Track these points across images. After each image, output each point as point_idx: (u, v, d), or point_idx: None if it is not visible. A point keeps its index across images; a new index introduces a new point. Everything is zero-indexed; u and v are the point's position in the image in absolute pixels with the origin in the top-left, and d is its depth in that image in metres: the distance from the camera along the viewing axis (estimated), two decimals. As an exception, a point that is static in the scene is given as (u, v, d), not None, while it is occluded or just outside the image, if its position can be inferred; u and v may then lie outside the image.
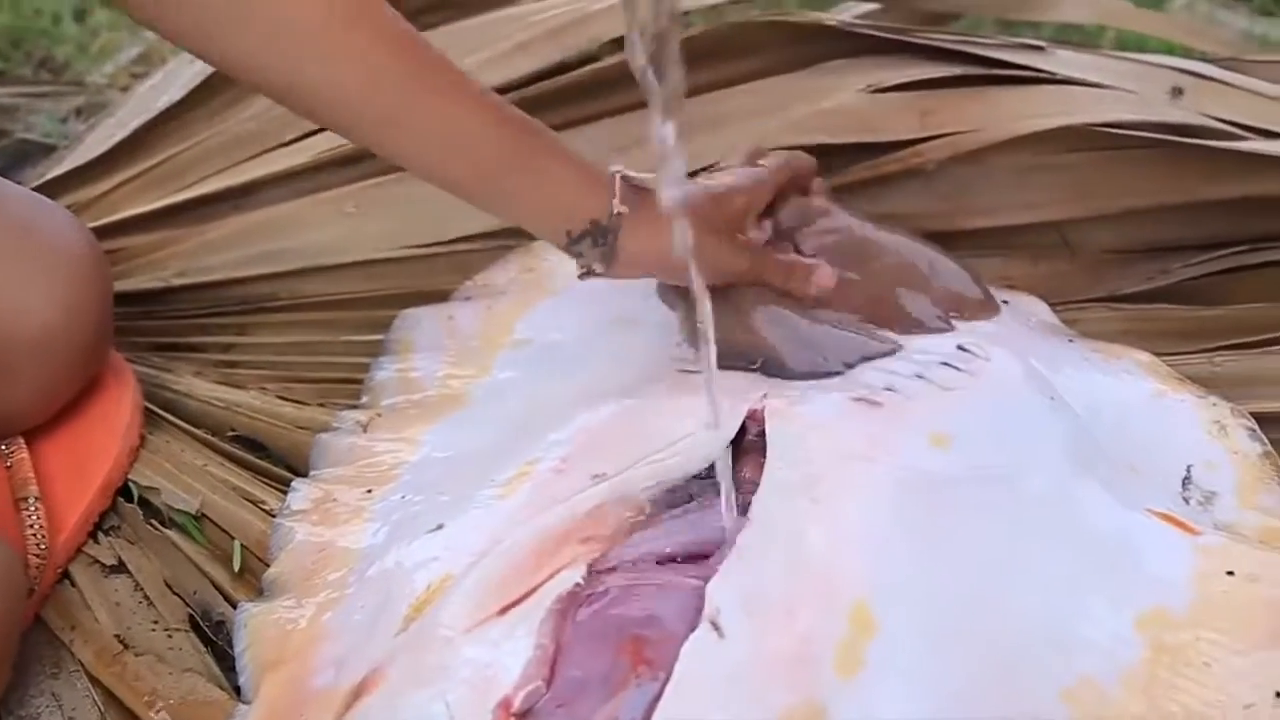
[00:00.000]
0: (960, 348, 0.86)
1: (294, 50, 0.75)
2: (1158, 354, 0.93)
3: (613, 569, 0.73)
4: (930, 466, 0.76)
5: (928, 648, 0.67)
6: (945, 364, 0.84)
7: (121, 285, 1.03)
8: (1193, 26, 1.37)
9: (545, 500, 0.77)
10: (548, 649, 0.68)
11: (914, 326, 0.91)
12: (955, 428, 0.79)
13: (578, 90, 1.13)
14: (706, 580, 0.69)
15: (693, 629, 0.67)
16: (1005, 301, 0.99)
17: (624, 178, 0.81)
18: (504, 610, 0.71)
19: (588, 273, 0.83)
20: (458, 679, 0.68)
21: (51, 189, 1.14)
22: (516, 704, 0.65)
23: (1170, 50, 1.26)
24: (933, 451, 0.77)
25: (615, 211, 0.80)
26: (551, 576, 0.72)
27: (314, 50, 0.75)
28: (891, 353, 0.87)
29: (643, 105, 1.08)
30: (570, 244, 0.81)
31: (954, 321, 0.92)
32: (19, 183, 1.07)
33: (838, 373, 0.85)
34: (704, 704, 0.64)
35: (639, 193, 0.81)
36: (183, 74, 1.21)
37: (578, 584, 0.71)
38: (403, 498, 0.86)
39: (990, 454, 0.78)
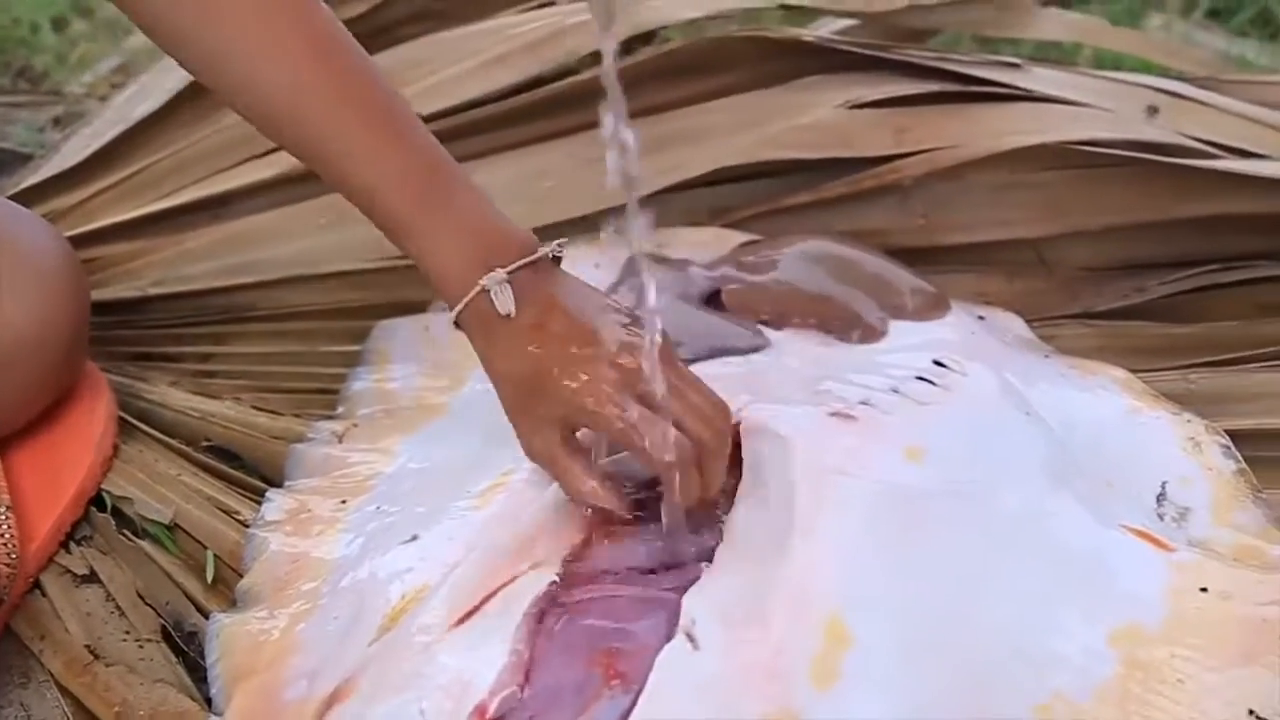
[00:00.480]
0: (936, 362, 0.86)
1: (222, 35, 0.73)
2: (1133, 370, 0.93)
3: (587, 578, 0.72)
4: (906, 481, 0.76)
5: (902, 661, 0.67)
6: (921, 378, 0.84)
7: (98, 294, 1.03)
8: (1169, 46, 1.38)
9: (519, 511, 0.77)
10: (522, 655, 0.68)
11: (854, 324, 0.91)
12: (931, 442, 0.79)
13: (555, 103, 1.14)
14: (681, 592, 0.70)
15: (667, 641, 0.67)
16: (981, 317, 0.99)
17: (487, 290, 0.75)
18: (477, 610, 0.71)
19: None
20: (433, 685, 0.68)
21: (27, 197, 1.14)
22: (491, 709, 0.65)
23: (1147, 69, 1.27)
24: (908, 466, 0.77)
25: (462, 305, 0.75)
26: (526, 571, 0.72)
27: (239, 37, 0.73)
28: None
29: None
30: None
31: (908, 322, 0.93)
32: (-6, 192, 1.07)
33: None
34: (677, 715, 0.64)
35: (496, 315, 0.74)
36: (161, 84, 1.20)
37: (553, 584, 0.72)
38: (377, 508, 0.86)
39: (965, 469, 0.78)
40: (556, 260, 0.77)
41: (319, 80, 0.74)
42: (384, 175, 0.75)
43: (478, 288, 0.74)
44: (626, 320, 0.75)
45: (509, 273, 0.74)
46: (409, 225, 0.76)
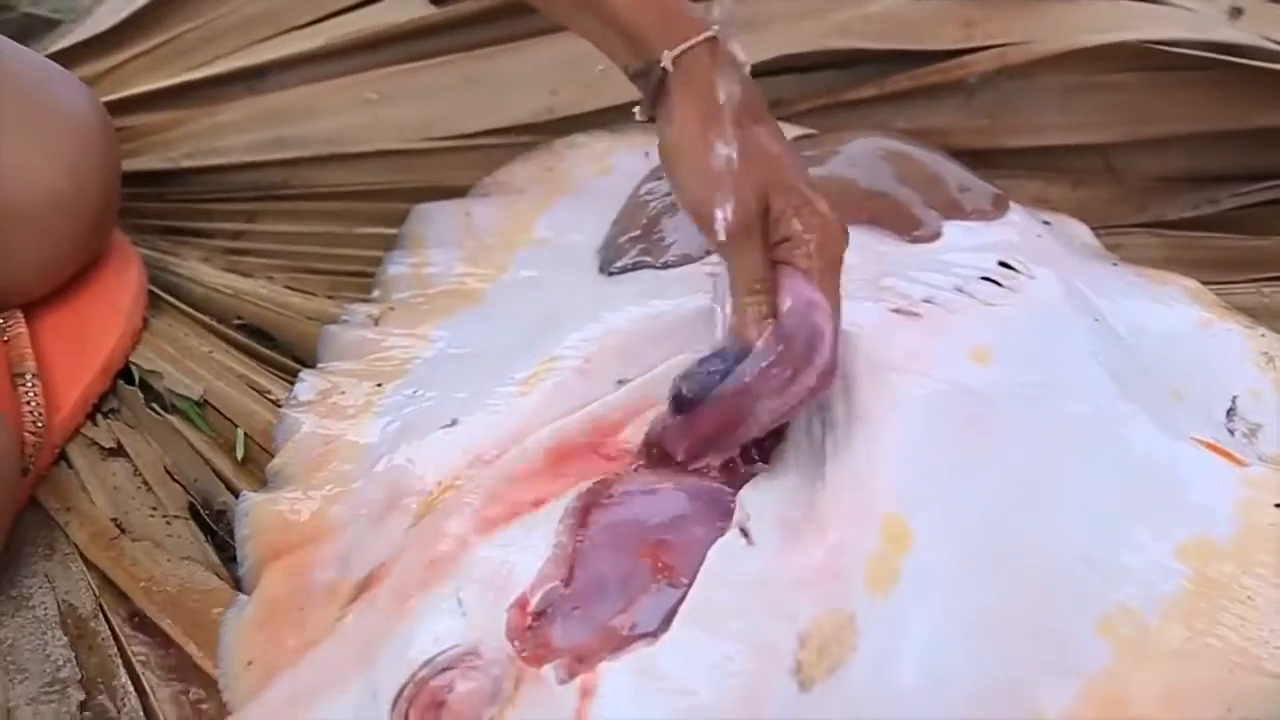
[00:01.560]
0: (1002, 263, 0.83)
1: None
2: (1204, 283, 0.90)
3: (635, 472, 0.70)
4: (970, 381, 0.73)
5: (962, 564, 0.65)
6: (987, 279, 0.81)
7: (129, 165, 1.00)
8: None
9: (567, 400, 0.75)
10: (566, 548, 0.65)
11: (910, 223, 0.88)
12: (997, 343, 0.76)
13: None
14: (734, 487, 0.67)
15: (718, 536, 0.64)
16: (1046, 222, 0.95)
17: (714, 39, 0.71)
18: (520, 512, 0.69)
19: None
20: (471, 576, 0.65)
21: (58, 61, 1.10)
22: (533, 603, 0.63)
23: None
24: (973, 366, 0.74)
25: (665, 65, 0.71)
26: (570, 485, 0.69)
27: None
28: None
29: None
30: (632, 78, 0.74)
31: (971, 222, 0.89)
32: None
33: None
34: (727, 610, 0.62)
35: (718, 67, 0.71)
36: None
37: (598, 482, 0.68)
38: (414, 393, 0.83)
39: (1032, 371, 0.75)
40: None
41: None
42: None
43: (702, 35, 0.70)
44: None
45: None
46: None
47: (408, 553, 0.69)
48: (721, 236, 0.69)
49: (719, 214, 0.68)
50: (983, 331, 0.76)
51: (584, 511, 0.67)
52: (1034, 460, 0.70)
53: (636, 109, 0.74)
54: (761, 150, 0.70)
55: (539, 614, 0.63)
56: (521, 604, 0.63)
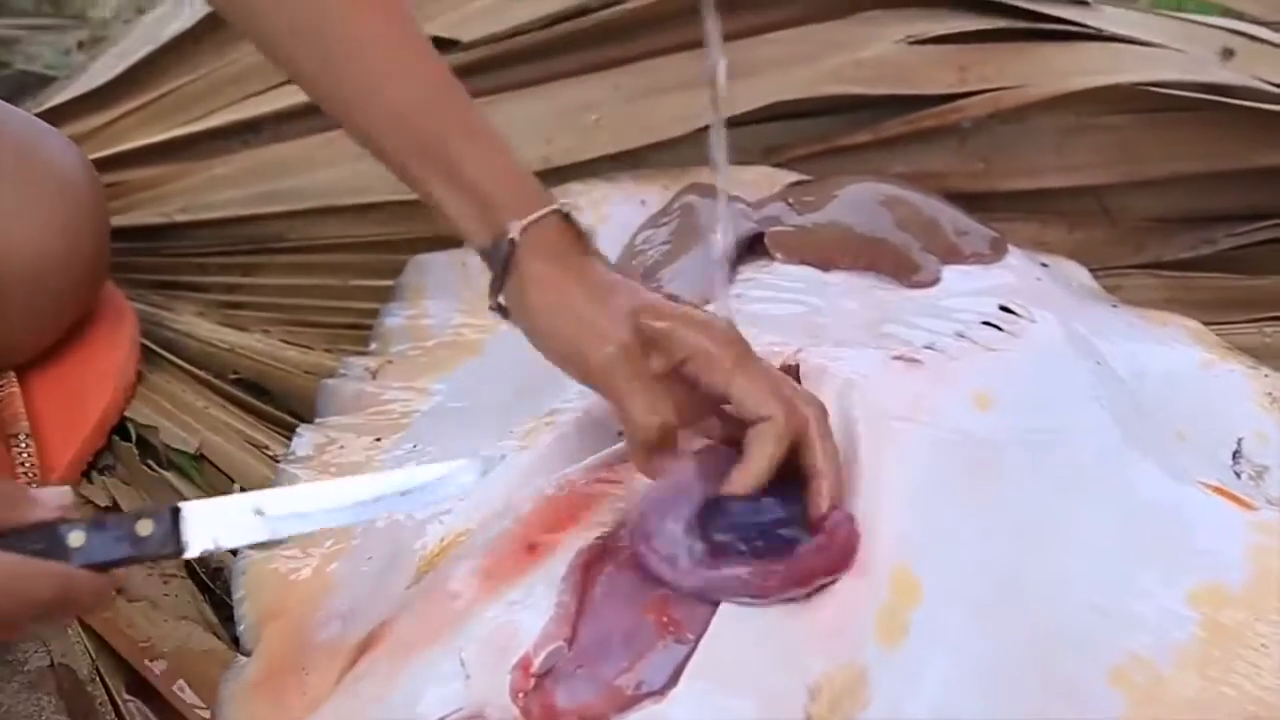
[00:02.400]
0: (1003, 307, 0.82)
1: None
2: (1203, 324, 0.90)
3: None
4: (973, 427, 0.72)
5: (973, 616, 0.64)
6: (987, 323, 0.80)
7: (123, 220, 1.00)
8: (1238, -13, 1.32)
9: (569, 454, 0.74)
10: (569, 606, 0.64)
11: (907, 268, 0.87)
12: (1000, 389, 0.75)
13: (601, 33, 1.09)
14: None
15: (723, 590, 0.63)
16: (1044, 265, 0.95)
17: (564, 213, 0.68)
18: (523, 569, 0.68)
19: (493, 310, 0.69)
20: (473, 635, 0.64)
21: (51, 118, 1.09)
22: (537, 663, 0.62)
23: (1207, 14, 1.22)
24: (977, 413, 0.73)
25: (511, 236, 0.66)
26: (574, 526, 0.68)
27: None
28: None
29: (664, 51, 1.08)
30: (484, 258, 0.68)
31: (969, 267, 0.89)
32: (16, 112, 1.03)
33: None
34: (736, 665, 0.61)
35: (569, 236, 0.68)
36: (192, 2, 1.16)
37: (600, 539, 0.67)
38: (414, 447, 0.83)
39: (1035, 416, 0.74)
40: None
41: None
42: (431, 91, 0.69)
43: (551, 206, 0.67)
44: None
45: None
46: (454, 143, 0.68)
47: (409, 611, 0.68)
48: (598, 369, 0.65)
49: (593, 350, 0.64)
50: (985, 377, 0.76)
51: (586, 568, 0.66)
52: (1040, 506, 0.69)
53: (489, 300, 0.68)
54: (623, 285, 0.67)
55: (543, 675, 0.61)
56: (524, 665, 0.62)
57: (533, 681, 0.61)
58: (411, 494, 0.65)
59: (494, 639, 0.64)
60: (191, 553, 0.61)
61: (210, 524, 0.62)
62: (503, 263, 0.66)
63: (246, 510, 0.63)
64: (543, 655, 0.62)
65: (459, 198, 0.67)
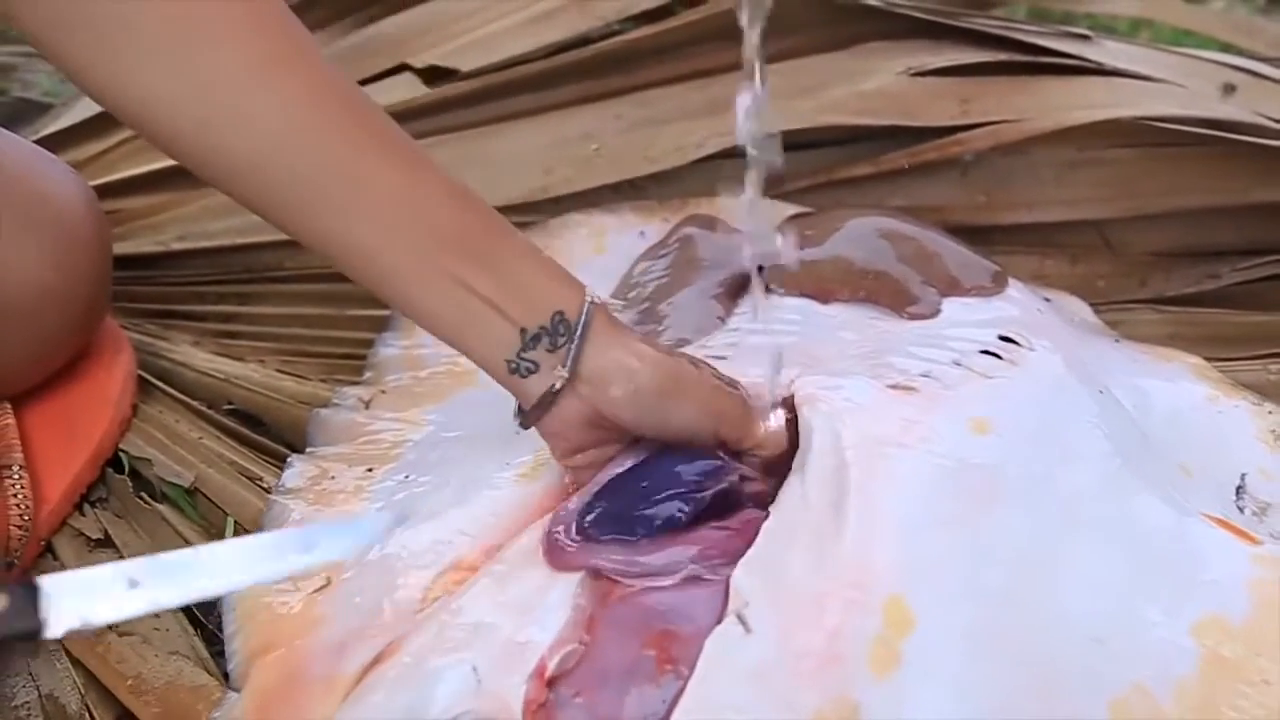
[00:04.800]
0: (1003, 337, 0.81)
1: (195, 93, 0.62)
2: (1209, 360, 0.89)
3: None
4: (969, 453, 0.71)
5: (968, 646, 0.63)
6: (986, 352, 0.79)
7: (119, 248, 0.99)
8: (1242, 24, 1.32)
9: (570, 487, 0.73)
10: (585, 610, 0.64)
11: (906, 300, 0.87)
12: (996, 414, 0.74)
13: (602, 62, 1.09)
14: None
15: (719, 623, 0.62)
16: (1046, 299, 0.94)
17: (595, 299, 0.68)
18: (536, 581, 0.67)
19: (541, 401, 0.68)
20: (486, 645, 0.64)
21: (49, 146, 1.09)
22: (552, 666, 0.62)
23: (1216, 48, 1.22)
24: (973, 439, 0.72)
25: (592, 300, 0.67)
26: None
27: (220, 98, 0.63)
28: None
29: (665, 82, 1.08)
30: (520, 351, 0.67)
31: (970, 299, 0.88)
32: (16, 138, 1.02)
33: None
34: (727, 703, 0.60)
35: (615, 318, 0.69)
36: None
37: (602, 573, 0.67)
38: (406, 477, 0.81)
39: (1035, 443, 0.73)
40: None
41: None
42: (436, 196, 0.67)
43: (590, 298, 0.67)
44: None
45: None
46: (491, 237, 0.67)
47: (416, 631, 0.68)
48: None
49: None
50: (982, 404, 0.75)
51: (598, 575, 0.66)
52: (1039, 533, 0.68)
53: (517, 416, 0.70)
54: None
55: (555, 680, 0.61)
56: (540, 672, 0.62)
57: (546, 695, 0.61)
58: (316, 550, 0.62)
59: (508, 646, 0.64)
60: (53, 632, 0.56)
61: (76, 599, 0.57)
62: (577, 344, 0.66)
63: (119, 582, 0.58)
64: (557, 658, 0.62)
65: (498, 286, 0.66)
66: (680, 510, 0.66)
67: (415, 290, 0.67)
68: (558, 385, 0.67)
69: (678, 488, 0.67)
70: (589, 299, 0.67)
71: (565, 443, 0.70)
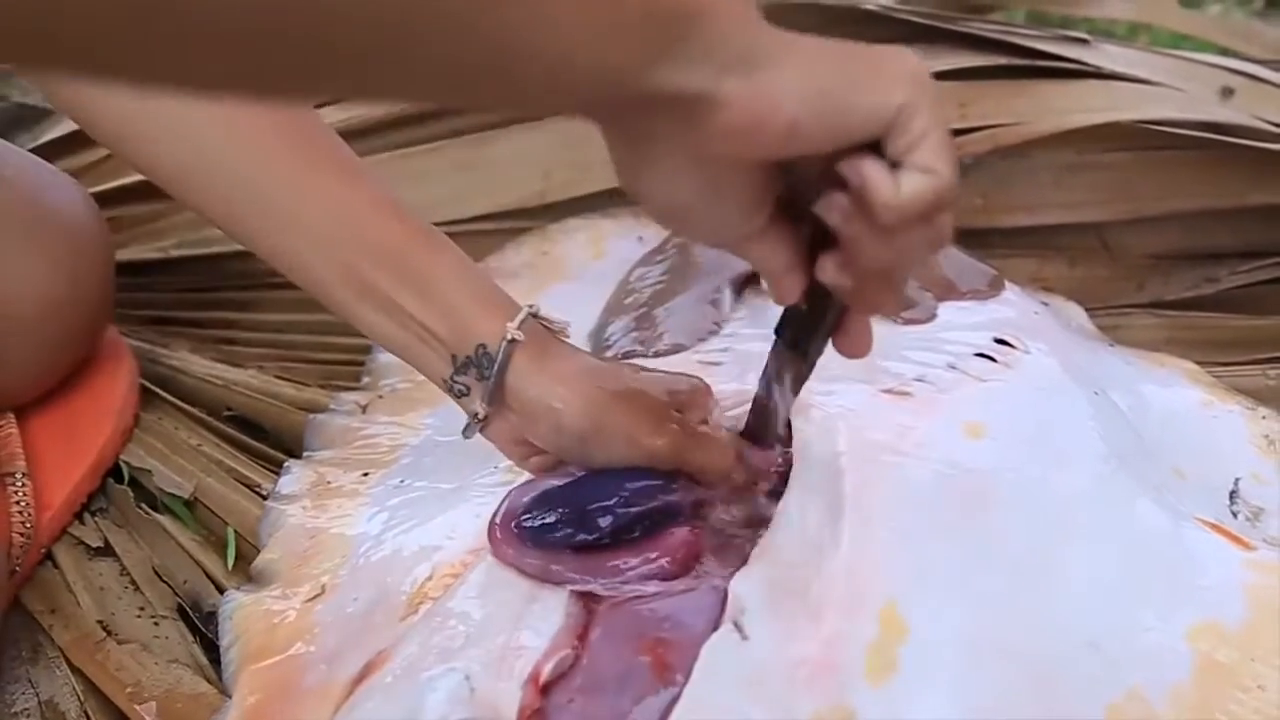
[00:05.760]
0: (998, 340, 0.81)
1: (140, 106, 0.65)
2: (1206, 364, 0.89)
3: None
4: (965, 459, 0.71)
5: (964, 652, 0.63)
6: (980, 355, 0.79)
7: (119, 255, 0.98)
8: (1239, 28, 1.32)
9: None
10: (578, 616, 0.64)
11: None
12: (991, 417, 0.74)
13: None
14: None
15: (715, 630, 0.63)
16: (1044, 304, 0.95)
17: (535, 315, 0.69)
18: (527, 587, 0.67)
19: (473, 422, 0.70)
20: (479, 652, 0.64)
21: (47, 153, 1.09)
22: (546, 672, 0.62)
23: (1214, 50, 1.22)
24: (968, 443, 0.72)
25: (508, 338, 0.67)
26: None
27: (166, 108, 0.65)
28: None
29: None
30: (453, 375, 0.69)
31: (966, 303, 0.88)
32: (14, 147, 1.03)
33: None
34: (723, 709, 0.60)
35: (545, 336, 0.69)
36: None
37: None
38: (401, 482, 0.82)
39: (1030, 446, 0.73)
40: None
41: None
42: (378, 212, 0.68)
43: (507, 335, 0.67)
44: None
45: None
46: (428, 253, 0.69)
47: (408, 639, 0.67)
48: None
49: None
50: (977, 407, 0.74)
51: (584, 610, 0.66)
52: (1034, 536, 0.68)
53: (467, 427, 0.70)
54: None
55: (548, 686, 0.61)
56: (534, 678, 0.62)
57: (540, 702, 0.61)
58: None
59: (502, 653, 0.63)
60: None
61: None
62: (498, 368, 0.67)
63: None
64: (552, 664, 0.62)
65: (428, 310, 0.68)
66: (601, 523, 0.66)
67: (355, 307, 0.69)
68: (481, 414, 0.68)
69: (606, 501, 0.67)
70: (506, 336, 0.67)
71: (513, 454, 0.71)
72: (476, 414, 0.69)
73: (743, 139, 0.49)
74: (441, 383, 0.69)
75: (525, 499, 0.69)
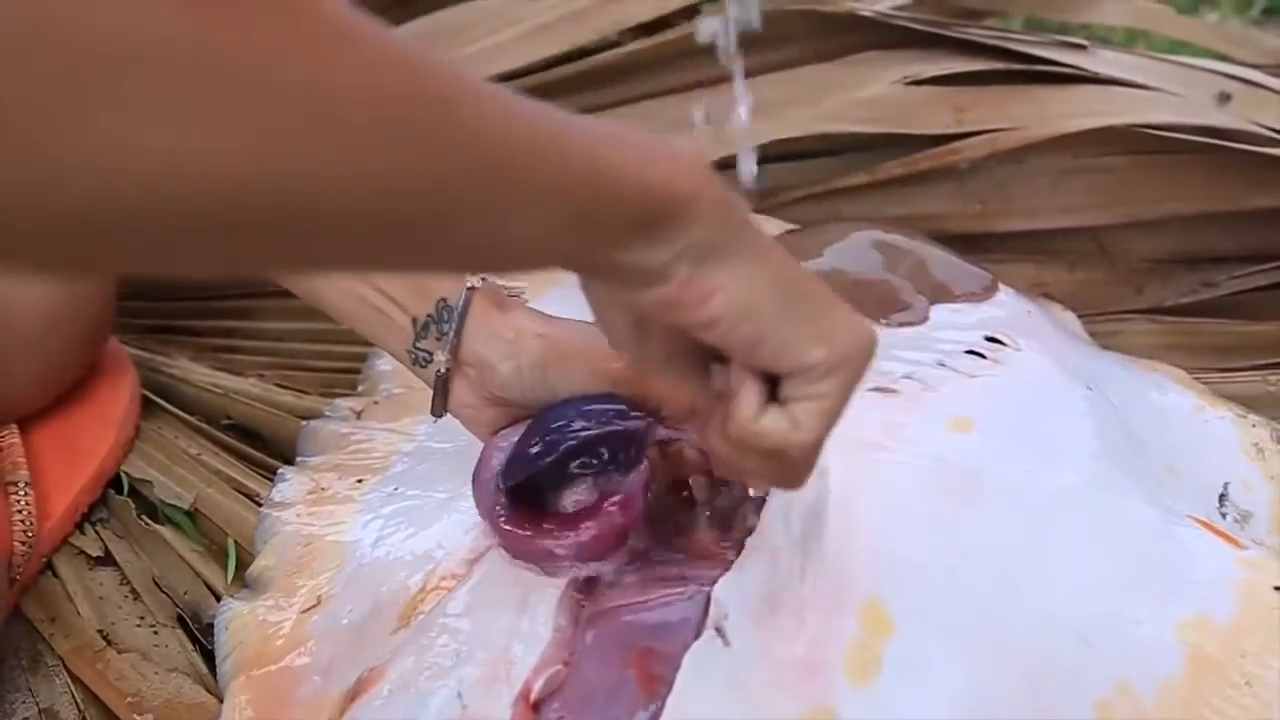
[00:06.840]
0: (989, 338, 0.81)
1: None
2: (1205, 369, 0.89)
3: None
4: (950, 452, 0.70)
5: (950, 649, 0.63)
6: (971, 352, 0.79)
7: (119, 264, 0.99)
8: (1236, 35, 1.31)
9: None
10: (566, 631, 0.64)
11: (893, 307, 0.86)
12: (979, 413, 0.73)
13: (600, 75, 1.09)
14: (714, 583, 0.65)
15: (698, 637, 0.63)
16: (1038, 307, 0.95)
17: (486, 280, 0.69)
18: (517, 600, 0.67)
19: (437, 382, 0.69)
20: (471, 667, 0.64)
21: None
22: (536, 689, 0.62)
23: (1211, 56, 1.21)
24: (954, 437, 0.72)
25: (469, 285, 0.67)
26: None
27: None
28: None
29: (663, 93, 1.08)
30: (415, 342, 0.68)
31: (957, 304, 0.87)
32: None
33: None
34: (706, 716, 0.60)
35: (501, 293, 0.69)
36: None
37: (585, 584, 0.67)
38: (395, 489, 0.82)
39: (1017, 441, 0.73)
40: None
41: None
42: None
43: (469, 282, 0.68)
44: None
45: None
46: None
47: (401, 653, 0.68)
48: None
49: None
50: (964, 402, 0.74)
51: (581, 591, 0.66)
52: (1022, 532, 0.68)
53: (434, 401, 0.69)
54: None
55: (539, 703, 0.62)
56: (525, 695, 0.62)
57: (532, 719, 0.61)
58: None
59: (494, 668, 0.64)
60: None
61: None
62: (458, 321, 0.67)
63: None
64: (542, 680, 0.62)
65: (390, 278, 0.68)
66: (560, 446, 0.64)
67: (318, 284, 0.69)
68: (442, 370, 0.68)
69: (565, 420, 0.65)
70: (468, 284, 0.67)
71: (480, 426, 0.70)
72: (439, 371, 0.68)
73: (668, 311, 0.51)
74: (405, 355, 0.69)
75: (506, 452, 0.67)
